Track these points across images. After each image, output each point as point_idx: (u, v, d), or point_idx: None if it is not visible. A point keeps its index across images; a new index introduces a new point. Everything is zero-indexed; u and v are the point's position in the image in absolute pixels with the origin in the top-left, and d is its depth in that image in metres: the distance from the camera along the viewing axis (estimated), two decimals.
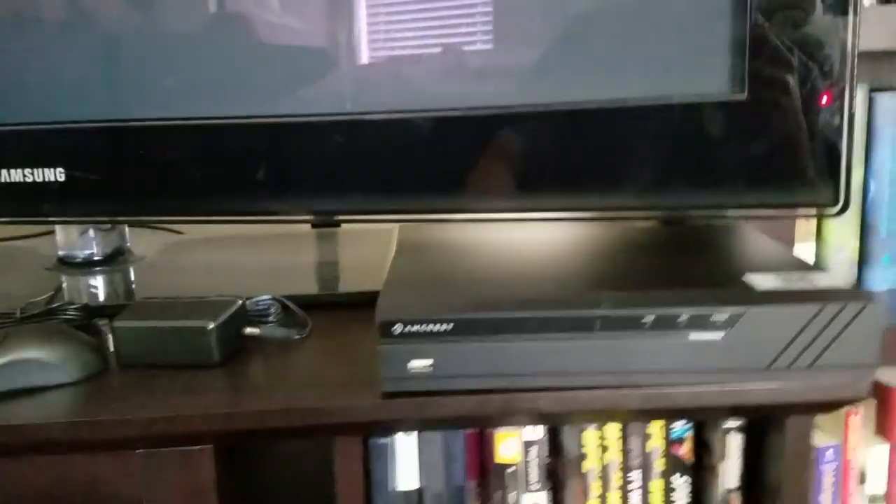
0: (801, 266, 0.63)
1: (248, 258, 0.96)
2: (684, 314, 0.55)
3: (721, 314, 0.55)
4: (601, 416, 0.61)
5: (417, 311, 0.56)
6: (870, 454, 0.84)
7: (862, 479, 0.84)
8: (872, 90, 0.86)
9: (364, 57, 0.69)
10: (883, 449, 0.85)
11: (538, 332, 0.56)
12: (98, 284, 0.91)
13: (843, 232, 0.89)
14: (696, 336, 0.56)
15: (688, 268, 0.65)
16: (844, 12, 0.62)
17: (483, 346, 0.56)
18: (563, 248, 0.73)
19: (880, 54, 0.83)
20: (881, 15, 0.83)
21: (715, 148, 0.65)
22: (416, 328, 0.56)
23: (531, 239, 0.75)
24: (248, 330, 0.68)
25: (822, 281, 0.59)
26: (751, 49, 0.63)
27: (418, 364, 0.56)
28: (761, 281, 0.59)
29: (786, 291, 0.57)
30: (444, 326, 0.56)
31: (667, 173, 0.66)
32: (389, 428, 0.60)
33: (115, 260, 0.96)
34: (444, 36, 0.68)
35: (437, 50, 0.68)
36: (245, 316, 0.69)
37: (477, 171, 0.66)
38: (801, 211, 0.66)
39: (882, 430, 0.86)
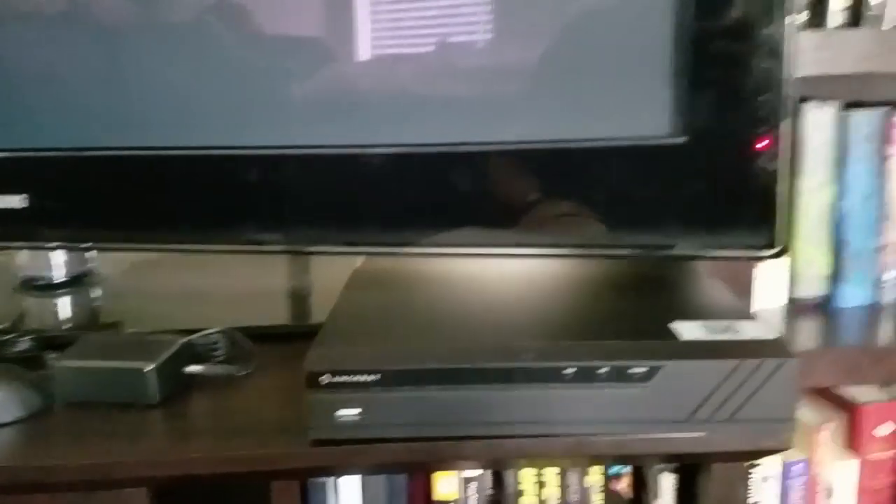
0: (733, 312, 0.64)
1: (213, 280, 0.96)
2: (603, 367, 0.56)
3: (639, 367, 0.56)
4: (527, 463, 0.62)
5: (345, 362, 0.57)
6: (837, 469, 0.85)
7: (829, 495, 0.85)
8: (846, 106, 0.86)
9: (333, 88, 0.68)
10: (851, 464, 0.86)
11: (462, 384, 0.57)
12: (60, 309, 0.92)
13: (814, 248, 0.88)
14: (616, 388, 0.57)
15: (622, 312, 0.66)
16: (781, 60, 0.62)
17: (410, 395, 0.58)
18: (511, 284, 0.73)
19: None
20: (850, 38, 0.83)
21: (653, 190, 0.65)
22: (343, 378, 0.57)
23: (483, 273, 0.75)
24: (190, 368, 0.69)
25: (748, 331, 0.60)
26: (690, 94, 0.62)
27: (346, 413, 0.57)
28: (685, 330, 0.60)
29: (707, 344, 0.58)
30: (372, 377, 0.57)
31: (604, 214, 0.67)
32: (321, 473, 0.61)
33: (80, 281, 0.96)
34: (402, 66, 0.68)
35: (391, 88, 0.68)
36: (187, 354, 0.70)
37: (416, 206, 0.67)
38: (738, 253, 0.66)
39: (850, 445, 0.87)
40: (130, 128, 0.69)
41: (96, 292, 0.95)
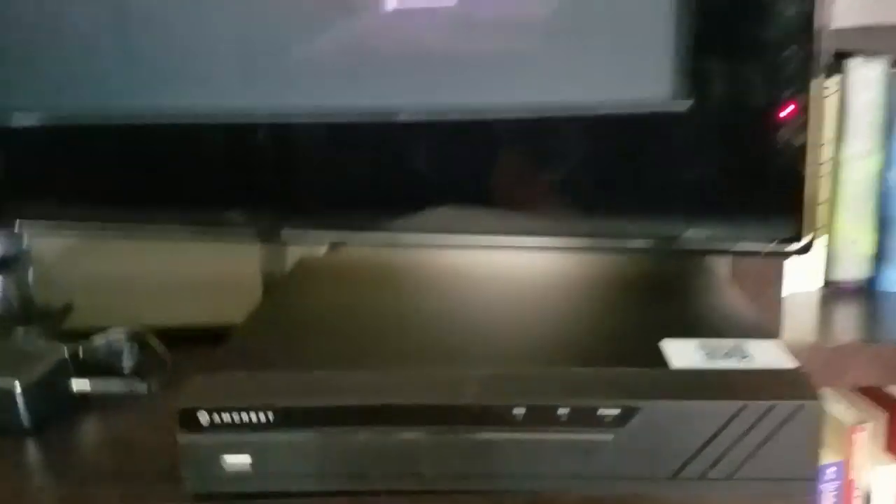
0: (743, 325, 0.51)
1: (171, 264, 0.83)
2: (564, 407, 0.42)
3: (610, 409, 0.42)
4: None
5: (228, 397, 0.44)
6: (876, 474, 0.79)
7: (867, 502, 0.79)
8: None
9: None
10: (891, 469, 0.79)
11: (381, 425, 0.44)
12: None
13: (856, 224, 0.80)
14: (581, 434, 0.43)
15: (604, 325, 0.54)
16: (811, 6, 0.50)
17: (313, 440, 0.45)
18: (480, 286, 0.62)
19: None
20: None
21: (651, 167, 0.56)
22: (227, 417, 0.44)
23: (452, 271, 0.64)
24: (77, 385, 0.57)
25: (759, 356, 0.46)
26: (697, 48, 0.51)
27: (233, 461, 0.45)
28: (678, 353, 0.46)
29: (702, 375, 0.44)
30: (264, 416, 0.44)
31: (592, 196, 0.57)
32: None
33: (11, 265, 0.85)
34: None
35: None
36: (78, 365, 0.58)
37: (388, 185, 0.59)
38: (754, 247, 0.53)
39: (891, 447, 0.80)
40: (67, 88, 0.61)
41: (31, 276, 0.83)
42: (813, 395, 0.42)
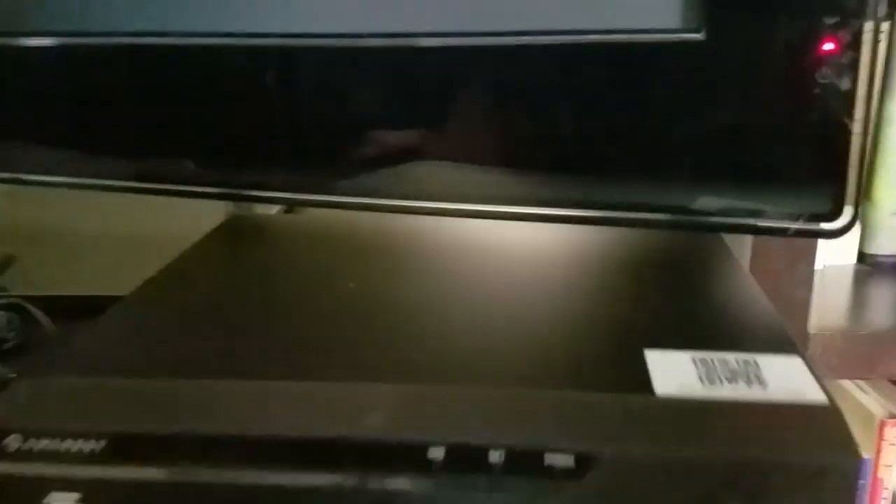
0: (758, 335, 0.39)
1: (114, 221, 0.77)
2: (497, 449, 0.30)
3: (561, 453, 0.30)
4: None
5: (47, 416, 0.33)
6: None
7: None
8: None
9: None
10: None
11: (252, 465, 0.32)
12: None
13: None
14: (523, 488, 0.31)
15: (575, 322, 0.42)
16: None
17: (159, 479, 0.33)
18: (426, 261, 0.51)
19: None
20: None
21: (650, 116, 0.45)
22: (46, 444, 0.32)
23: (397, 242, 0.53)
24: None
25: (776, 380, 0.34)
26: None
27: (58, 499, 0.33)
28: (665, 371, 0.34)
29: (695, 408, 0.32)
30: (94, 444, 0.32)
31: (579, 157, 0.46)
32: None
33: None
34: None
35: None
36: None
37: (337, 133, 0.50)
38: (779, 224, 0.43)
39: None
40: None
41: None
42: (849, 449, 0.30)
